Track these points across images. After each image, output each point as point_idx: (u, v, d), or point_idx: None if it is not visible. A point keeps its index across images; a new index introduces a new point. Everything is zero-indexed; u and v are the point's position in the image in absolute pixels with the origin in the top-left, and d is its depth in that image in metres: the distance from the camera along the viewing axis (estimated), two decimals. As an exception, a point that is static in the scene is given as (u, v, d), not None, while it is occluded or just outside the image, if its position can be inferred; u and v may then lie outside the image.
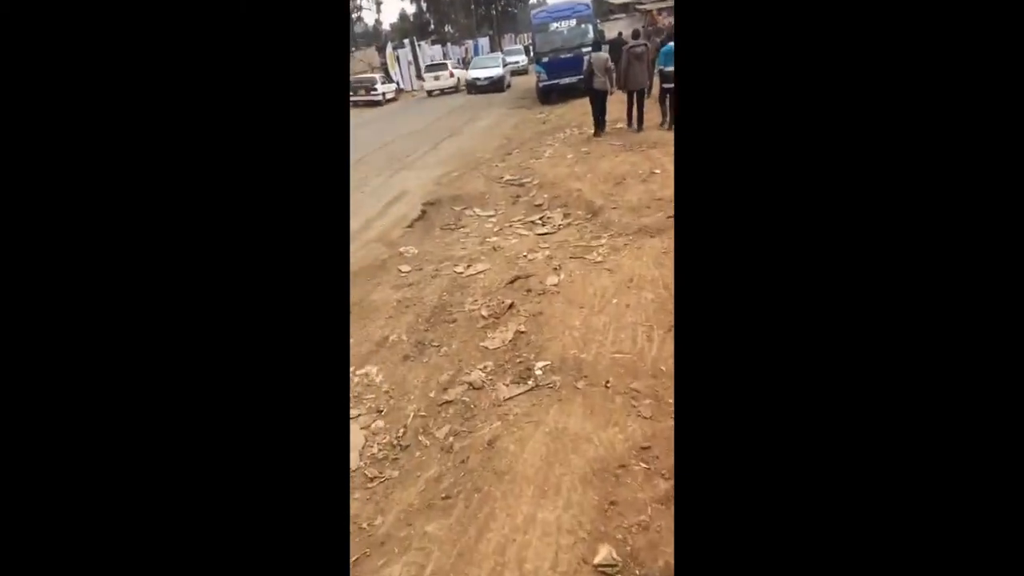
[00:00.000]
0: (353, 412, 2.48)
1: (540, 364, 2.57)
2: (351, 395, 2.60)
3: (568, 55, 11.62)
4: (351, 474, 2.09)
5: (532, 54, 12.25)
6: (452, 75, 17.63)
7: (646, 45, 7.56)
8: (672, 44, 7.00)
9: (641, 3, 18.67)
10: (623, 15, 18.68)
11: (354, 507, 1.92)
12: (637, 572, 1.53)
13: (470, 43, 29.84)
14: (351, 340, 3.03)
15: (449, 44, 30.87)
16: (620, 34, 12.68)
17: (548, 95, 12.31)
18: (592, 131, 7.79)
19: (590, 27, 11.65)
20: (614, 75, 7.45)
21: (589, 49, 11.26)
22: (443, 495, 1.90)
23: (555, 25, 11.71)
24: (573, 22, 11.64)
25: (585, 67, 7.90)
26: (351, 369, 2.78)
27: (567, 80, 11.71)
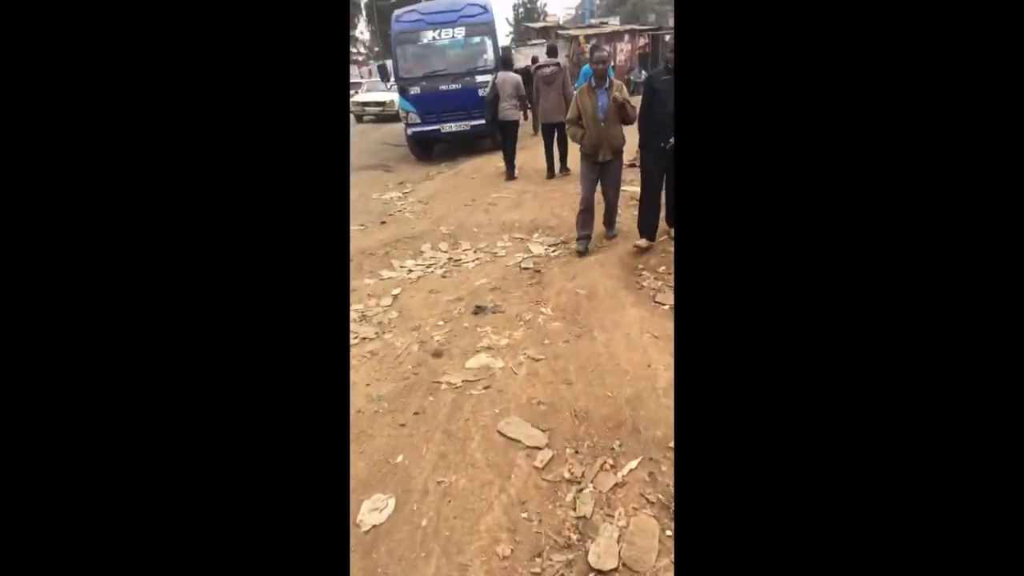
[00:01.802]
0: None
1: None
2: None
3: (454, 85, 6.84)
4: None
5: (394, 80, 7.31)
6: None
7: (558, 65, 5.31)
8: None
9: (564, 28, 14.61)
10: (542, 41, 14.45)
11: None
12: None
13: (373, 65, 24.65)
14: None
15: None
16: (535, 59, 8.22)
17: (425, 147, 7.45)
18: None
19: (488, 41, 6.94)
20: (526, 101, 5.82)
21: (487, 78, 6.66)
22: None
23: (430, 35, 6.86)
24: (461, 31, 6.90)
25: (488, 91, 5.78)
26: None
27: (455, 125, 6.94)
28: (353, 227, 4.51)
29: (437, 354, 2.31)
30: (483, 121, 6.88)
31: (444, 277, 3.41)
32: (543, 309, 2.68)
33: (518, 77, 5.65)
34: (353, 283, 3.41)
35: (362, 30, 31.62)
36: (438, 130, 6.93)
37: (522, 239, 4.02)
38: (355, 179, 6.52)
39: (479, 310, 2.73)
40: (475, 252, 3.86)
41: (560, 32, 13.67)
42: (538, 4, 34.80)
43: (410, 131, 7.01)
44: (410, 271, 3.60)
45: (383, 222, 4.61)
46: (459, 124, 6.89)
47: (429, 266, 3.67)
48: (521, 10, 33.95)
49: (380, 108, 12.45)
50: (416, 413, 1.88)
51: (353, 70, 24.43)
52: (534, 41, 15.13)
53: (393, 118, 11.82)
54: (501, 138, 5.77)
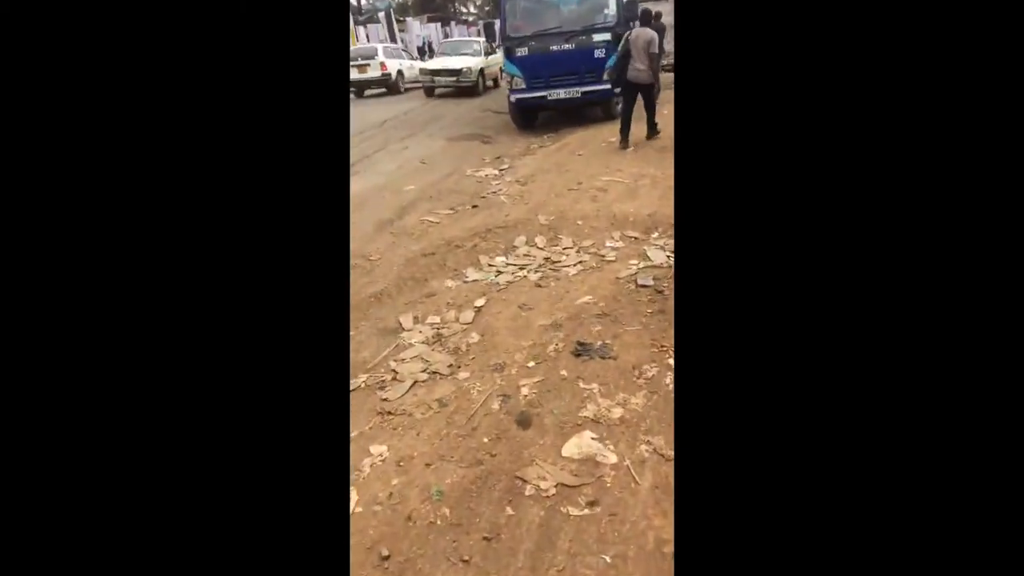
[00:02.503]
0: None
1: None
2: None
3: (567, 45, 5.93)
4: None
5: (499, 41, 6.54)
6: (384, 67, 11.06)
7: None
8: None
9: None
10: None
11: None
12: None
13: (482, 25, 23.92)
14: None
15: (454, 24, 25.04)
16: (658, 15, 6.81)
17: (529, 116, 6.67)
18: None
19: (611, -8, 5.90)
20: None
21: (606, 37, 5.71)
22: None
23: (544, -14, 5.98)
24: (580, -18, 5.91)
25: (620, 46, 4.93)
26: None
27: (564, 91, 6.08)
28: (442, 211, 3.98)
29: (524, 422, 1.67)
30: (596, 87, 5.96)
31: (539, 286, 2.75)
32: (672, 360, 1.93)
33: (654, 34, 4.69)
34: (433, 284, 2.88)
35: (474, -11, 30.82)
36: (544, 97, 6.12)
37: (637, 239, 3.23)
38: (450, 151, 5.99)
39: (582, 350, 2.05)
40: (578, 252, 3.14)
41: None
42: (662, -46, 31.53)
43: (513, 98, 6.27)
44: (499, 272, 2.98)
45: (475, 205, 4.01)
46: (569, 90, 6.03)
47: (522, 267, 3.03)
48: (642, -38, 31.04)
49: (454, 78, 10.06)
50: (487, 539, 1.28)
51: (461, 30, 23.91)
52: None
53: (470, 90, 10.06)
54: (623, 101, 4.97)
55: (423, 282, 2.90)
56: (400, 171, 5.14)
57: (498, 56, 11.04)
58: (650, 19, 4.89)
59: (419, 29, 19.62)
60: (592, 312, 2.38)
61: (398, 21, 18.22)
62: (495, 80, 11.15)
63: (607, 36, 5.76)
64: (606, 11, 5.88)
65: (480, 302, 2.60)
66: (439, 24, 22.22)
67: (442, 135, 6.77)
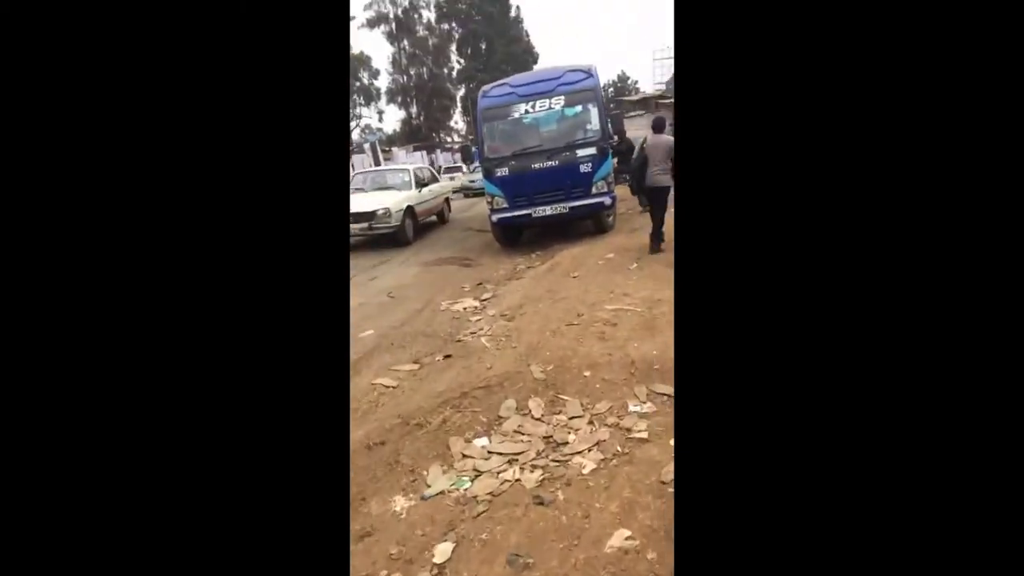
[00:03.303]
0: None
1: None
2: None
3: (550, 162, 5.52)
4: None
5: (479, 161, 6.23)
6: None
7: None
8: None
9: (665, 97, 13.40)
10: (642, 112, 13.30)
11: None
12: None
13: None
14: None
15: (439, 151, 26.56)
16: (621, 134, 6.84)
17: (513, 234, 6.10)
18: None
19: (592, 109, 5.52)
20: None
21: (591, 152, 5.31)
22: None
23: (522, 108, 5.61)
24: (559, 101, 5.62)
25: (636, 155, 4.84)
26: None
27: (551, 208, 5.56)
28: (404, 366, 3.04)
29: None
30: (585, 201, 5.48)
31: (539, 501, 1.74)
32: None
33: (671, 140, 4.56)
34: (373, 508, 1.83)
35: (457, 119, 33.42)
36: (529, 215, 5.58)
37: (671, 398, 2.29)
38: (425, 278, 5.24)
39: None
40: (591, 425, 2.18)
41: (660, 102, 12.46)
42: (628, 83, 35.14)
43: (495, 218, 5.72)
44: (476, 473, 1.98)
45: (447, 356, 3.10)
46: (555, 207, 5.51)
47: (512, 459, 2.04)
48: (611, 90, 34.33)
49: (364, 224, 6.65)
50: None
51: (446, 157, 25.26)
52: (631, 113, 14.10)
53: (389, 238, 6.90)
54: (650, 206, 4.79)
55: (357, 504, 1.87)
56: (361, 309, 4.30)
57: (442, 185, 8.86)
58: (663, 127, 4.72)
59: (404, 157, 20.55)
60: (632, 559, 1.35)
61: (383, 151, 19.08)
62: (440, 215, 8.82)
63: (592, 151, 5.41)
64: (588, 126, 5.58)
65: (442, 554, 1.55)
66: (424, 152, 23.44)
67: (417, 260, 6.11)
